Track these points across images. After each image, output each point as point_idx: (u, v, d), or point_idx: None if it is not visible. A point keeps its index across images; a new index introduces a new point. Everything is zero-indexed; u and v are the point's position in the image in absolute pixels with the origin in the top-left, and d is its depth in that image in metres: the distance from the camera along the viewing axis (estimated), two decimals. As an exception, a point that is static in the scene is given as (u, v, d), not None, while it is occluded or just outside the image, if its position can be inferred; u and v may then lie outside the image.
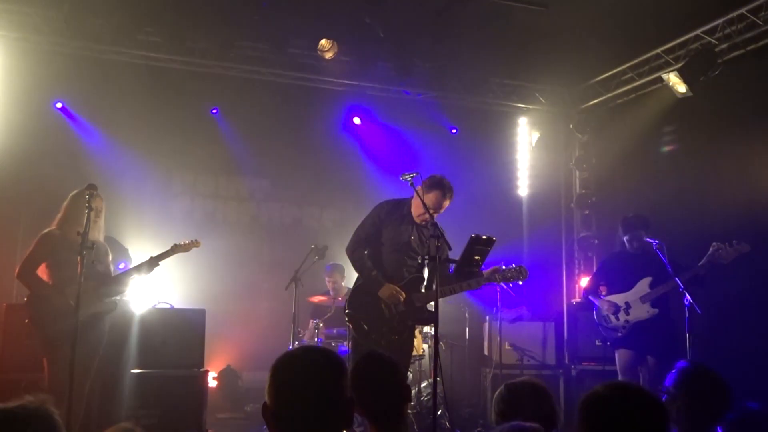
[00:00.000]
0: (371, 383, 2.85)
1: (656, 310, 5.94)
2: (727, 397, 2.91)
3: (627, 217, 6.26)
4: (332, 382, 1.89)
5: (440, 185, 5.15)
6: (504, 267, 5.16)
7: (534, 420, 2.83)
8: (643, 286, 6.00)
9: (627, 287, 6.09)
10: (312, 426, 1.83)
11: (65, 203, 5.22)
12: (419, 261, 5.27)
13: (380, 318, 5.08)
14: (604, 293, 6.33)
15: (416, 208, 5.23)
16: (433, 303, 4.89)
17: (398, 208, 5.34)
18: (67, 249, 4.93)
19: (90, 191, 4.77)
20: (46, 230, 5.15)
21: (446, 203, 5.18)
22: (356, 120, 9.36)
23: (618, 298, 6.12)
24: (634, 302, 6.02)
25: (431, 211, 5.05)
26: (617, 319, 6.08)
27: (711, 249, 5.66)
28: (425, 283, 5.25)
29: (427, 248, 5.24)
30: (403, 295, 5.08)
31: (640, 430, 1.82)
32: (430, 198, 5.13)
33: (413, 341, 5.41)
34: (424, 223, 5.23)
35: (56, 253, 5.03)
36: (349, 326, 5.21)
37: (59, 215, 5.20)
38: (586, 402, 1.95)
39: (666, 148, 8.44)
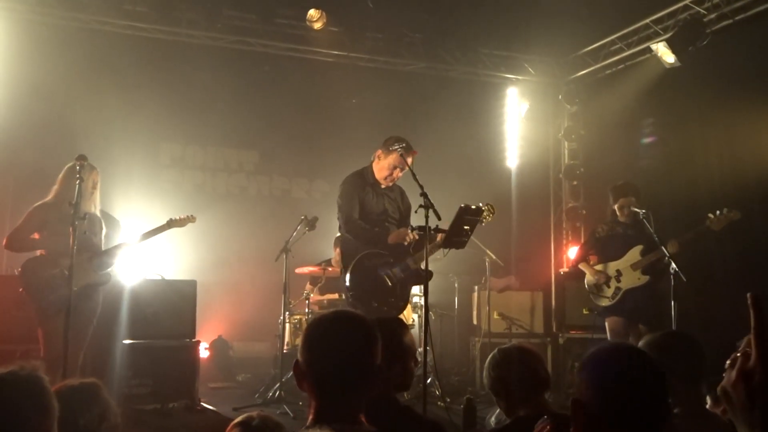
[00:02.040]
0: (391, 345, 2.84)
1: (647, 278, 5.95)
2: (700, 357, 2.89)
3: (616, 185, 6.24)
4: (363, 350, 1.94)
5: (404, 146, 5.20)
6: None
7: (529, 382, 2.89)
8: (634, 254, 6.01)
9: (618, 255, 6.13)
10: (339, 389, 1.89)
11: (60, 175, 5.21)
12: (397, 224, 5.40)
13: (385, 290, 5.15)
14: (593, 262, 6.37)
15: (380, 172, 5.30)
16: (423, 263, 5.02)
17: (363, 179, 5.37)
18: (60, 220, 4.94)
19: (80, 162, 4.75)
20: (40, 202, 5.17)
21: (410, 160, 5.19)
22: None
23: (609, 267, 6.15)
24: (625, 270, 6.03)
25: (395, 171, 5.24)
26: (608, 286, 6.11)
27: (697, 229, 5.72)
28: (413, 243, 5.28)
29: (400, 208, 5.42)
30: (409, 233, 5.11)
31: (639, 386, 1.79)
32: (392, 159, 5.23)
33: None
34: (388, 186, 5.35)
35: (49, 223, 5.05)
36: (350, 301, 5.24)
37: (55, 187, 5.20)
38: (588, 361, 1.90)
39: (646, 140, 8.55)
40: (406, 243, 5.15)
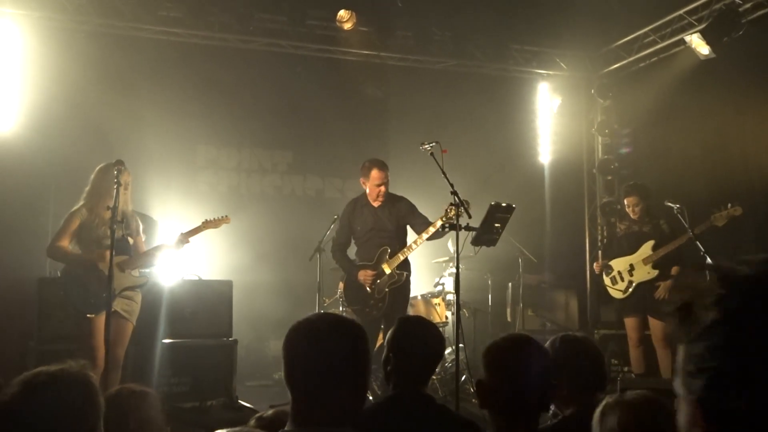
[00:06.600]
0: (410, 344, 2.88)
1: (657, 272, 6.27)
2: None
3: (627, 185, 6.74)
4: (343, 350, 1.90)
5: (373, 164, 6.06)
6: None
7: (588, 378, 2.70)
8: (646, 249, 6.34)
9: (632, 251, 6.45)
10: (316, 391, 1.86)
11: (92, 177, 5.35)
12: (390, 234, 6.14)
13: (367, 296, 6.08)
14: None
15: (370, 193, 6.11)
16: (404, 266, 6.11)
17: (357, 203, 6.30)
18: (97, 224, 5.09)
19: (118, 167, 4.86)
20: (75, 208, 5.28)
21: (386, 173, 6.06)
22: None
23: (621, 262, 6.39)
24: (637, 264, 6.37)
25: (381, 188, 6.02)
26: (622, 279, 6.37)
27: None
28: (389, 251, 6.09)
29: (395, 220, 6.15)
30: (370, 272, 6.04)
31: (526, 368, 2.28)
32: (374, 178, 6.02)
33: (405, 296, 6.24)
34: (380, 204, 6.12)
35: (85, 228, 5.16)
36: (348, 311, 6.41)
37: (87, 188, 5.34)
38: (487, 351, 2.41)
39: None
40: (367, 286, 6.08)
